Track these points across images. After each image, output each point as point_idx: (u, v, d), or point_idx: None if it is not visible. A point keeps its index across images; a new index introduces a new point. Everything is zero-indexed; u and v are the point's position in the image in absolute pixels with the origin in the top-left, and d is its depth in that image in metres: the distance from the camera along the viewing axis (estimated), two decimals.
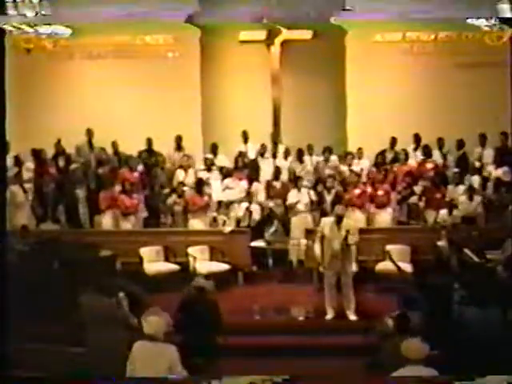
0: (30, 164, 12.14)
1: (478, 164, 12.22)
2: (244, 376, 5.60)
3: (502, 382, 5.48)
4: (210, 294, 7.82)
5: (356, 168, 12.12)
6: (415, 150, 12.56)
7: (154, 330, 5.97)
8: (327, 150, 12.57)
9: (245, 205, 11.37)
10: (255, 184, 11.82)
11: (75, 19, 12.24)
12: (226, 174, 11.95)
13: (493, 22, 10.99)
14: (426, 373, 5.47)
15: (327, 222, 9.15)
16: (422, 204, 11.34)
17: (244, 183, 11.74)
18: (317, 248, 9.08)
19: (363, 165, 12.30)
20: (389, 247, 10.40)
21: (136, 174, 12.00)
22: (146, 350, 5.98)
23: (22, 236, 9.87)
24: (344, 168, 12.22)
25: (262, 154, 12.53)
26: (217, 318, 7.63)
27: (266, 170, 12.27)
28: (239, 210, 11.39)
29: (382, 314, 7.52)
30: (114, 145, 12.59)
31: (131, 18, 12.65)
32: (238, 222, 11.30)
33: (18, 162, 11.87)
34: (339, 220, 8.94)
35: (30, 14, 10.32)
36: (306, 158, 12.55)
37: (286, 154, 12.51)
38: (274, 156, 12.53)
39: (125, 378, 5.94)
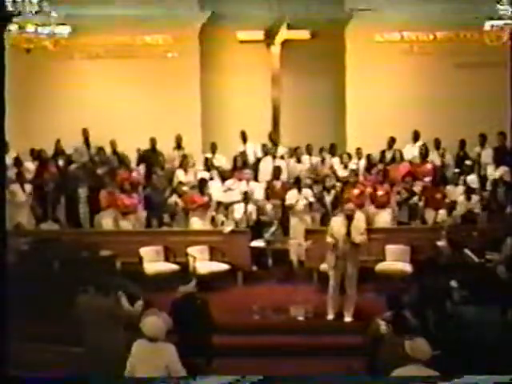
0: (29, 164, 12.14)
1: (477, 164, 12.23)
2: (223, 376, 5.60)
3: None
4: (200, 295, 7.82)
5: (355, 168, 12.13)
6: (414, 142, 12.59)
7: (154, 331, 5.97)
8: (327, 149, 12.60)
9: (243, 205, 11.37)
10: (253, 184, 11.82)
11: (75, 19, 12.25)
12: (225, 174, 11.93)
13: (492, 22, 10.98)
14: (426, 373, 5.47)
15: (336, 220, 9.09)
16: (421, 204, 11.34)
17: (244, 184, 11.74)
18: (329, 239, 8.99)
19: (362, 165, 12.30)
20: (388, 247, 10.43)
21: (134, 174, 12.01)
22: (144, 349, 5.98)
23: (19, 234, 9.86)
24: (343, 168, 12.23)
25: (266, 153, 12.53)
26: (208, 317, 7.62)
27: (265, 169, 12.28)
28: (238, 211, 11.39)
29: (381, 314, 7.52)
30: (113, 144, 12.60)
31: (131, 18, 12.66)
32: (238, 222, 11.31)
33: (18, 161, 11.86)
34: (349, 219, 8.89)
35: (29, 13, 10.31)
36: (306, 157, 12.57)
37: (290, 153, 12.56)
38: (274, 156, 12.53)
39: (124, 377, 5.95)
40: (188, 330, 7.31)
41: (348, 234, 8.75)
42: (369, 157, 12.30)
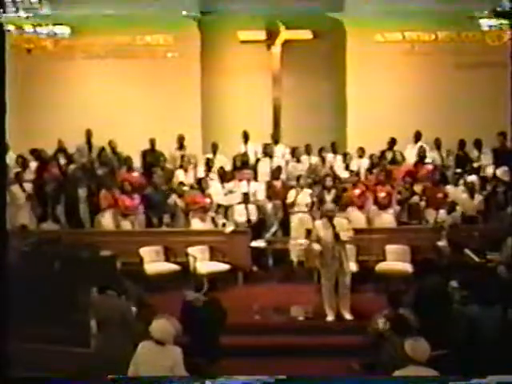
0: (31, 164, 12.14)
1: (477, 164, 12.22)
2: (240, 376, 5.60)
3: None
4: (211, 295, 7.85)
5: (356, 168, 12.12)
6: (415, 143, 12.60)
7: (163, 335, 5.98)
8: (328, 149, 12.59)
9: (241, 206, 11.38)
10: (254, 184, 11.82)
11: (75, 19, 12.27)
12: (225, 176, 11.91)
13: (493, 22, 10.97)
14: (425, 373, 5.47)
15: (319, 224, 9.19)
16: (422, 204, 11.33)
17: (244, 184, 11.74)
18: (316, 246, 9.07)
19: (364, 165, 12.29)
20: (388, 247, 10.42)
21: (135, 174, 12.00)
22: (150, 350, 6.00)
23: (21, 236, 9.86)
24: (343, 168, 12.23)
25: (264, 153, 12.52)
26: (220, 318, 7.66)
27: (264, 170, 12.27)
28: (239, 212, 11.39)
29: (379, 313, 7.54)
30: (112, 144, 12.59)
31: (131, 18, 12.67)
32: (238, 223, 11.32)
33: (23, 161, 11.86)
34: (330, 218, 8.97)
35: (29, 13, 10.31)
36: (305, 157, 12.57)
37: (290, 153, 12.56)
38: (270, 156, 12.51)
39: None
40: (200, 329, 7.33)
41: (334, 234, 8.84)
42: (372, 157, 12.29)
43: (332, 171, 12.04)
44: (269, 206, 11.56)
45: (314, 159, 12.53)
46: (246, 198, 11.39)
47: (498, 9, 10.64)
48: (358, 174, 11.93)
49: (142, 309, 7.63)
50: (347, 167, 12.24)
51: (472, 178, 11.68)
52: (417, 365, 5.47)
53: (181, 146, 12.71)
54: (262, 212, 11.52)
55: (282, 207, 11.49)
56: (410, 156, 12.46)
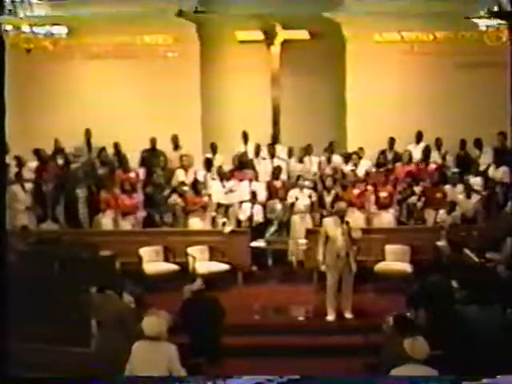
0: (31, 164, 12.14)
1: (483, 167, 12.19)
2: (249, 376, 5.60)
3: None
4: (210, 294, 7.88)
5: (355, 168, 12.12)
6: (417, 143, 12.60)
7: (156, 331, 5.97)
8: (329, 149, 12.59)
9: (248, 205, 11.38)
10: (255, 184, 11.82)
11: (74, 19, 12.27)
12: (225, 175, 11.91)
13: (492, 22, 10.98)
14: (425, 372, 5.48)
15: (329, 221, 9.14)
16: (421, 204, 11.34)
17: (245, 184, 11.74)
18: (320, 251, 9.04)
19: (364, 165, 12.29)
20: (388, 247, 10.42)
21: (132, 175, 11.99)
22: (145, 349, 5.98)
23: (21, 236, 9.86)
24: (344, 168, 12.23)
25: (257, 153, 12.52)
26: (219, 316, 7.67)
27: (264, 170, 12.28)
28: (241, 211, 11.39)
29: (380, 314, 7.55)
30: (117, 146, 12.58)
31: (131, 18, 12.67)
32: (239, 222, 11.32)
33: (20, 161, 11.86)
34: (341, 217, 8.94)
35: (28, 13, 10.32)
36: (306, 157, 12.57)
37: (289, 153, 12.56)
38: (272, 156, 12.52)
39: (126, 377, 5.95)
40: (198, 328, 7.35)
41: (348, 232, 8.81)
42: (380, 156, 12.27)
43: (337, 171, 11.99)
44: (278, 206, 11.54)
45: (314, 159, 12.54)
46: (253, 198, 11.39)
47: (496, 9, 10.65)
48: (356, 173, 11.91)
49: (140, 309, 7.63)
50: (355, 166, 12.20)
51: (477, 179, 11.68)
52: (416, 363, 5.48)
53: (176, 147, 12.70)
54: (272, 212, 11.49)
55: (283, 207, 11.49)
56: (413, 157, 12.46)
